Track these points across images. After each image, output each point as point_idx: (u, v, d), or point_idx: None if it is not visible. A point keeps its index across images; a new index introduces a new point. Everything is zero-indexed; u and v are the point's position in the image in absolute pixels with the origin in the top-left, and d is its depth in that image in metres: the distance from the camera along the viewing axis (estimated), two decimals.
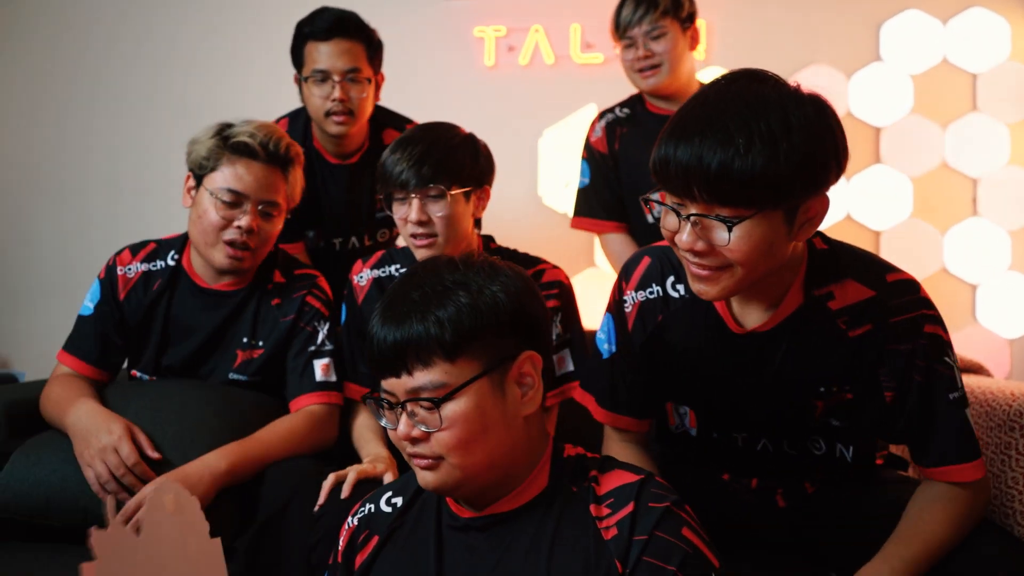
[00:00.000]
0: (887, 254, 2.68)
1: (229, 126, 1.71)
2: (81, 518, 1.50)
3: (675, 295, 1.32)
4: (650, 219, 2.21)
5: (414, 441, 1.02)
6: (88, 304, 1.78)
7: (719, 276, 1.13)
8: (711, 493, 1.40)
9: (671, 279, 1.32)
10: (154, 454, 1.54)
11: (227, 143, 1.68)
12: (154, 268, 1.78)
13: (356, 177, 2.18)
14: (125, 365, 1.84)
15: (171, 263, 1.77)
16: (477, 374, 1.00)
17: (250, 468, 1.58)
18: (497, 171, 1.76)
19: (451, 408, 1.00)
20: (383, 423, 1.06)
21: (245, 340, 1.75)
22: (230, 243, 1.67)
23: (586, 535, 1.01)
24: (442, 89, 2.53)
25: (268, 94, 2.96)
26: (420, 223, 1.62)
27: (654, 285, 1.33)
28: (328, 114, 2.06)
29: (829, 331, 1.23)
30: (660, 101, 2.20)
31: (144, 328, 1.76)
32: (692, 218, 1.10)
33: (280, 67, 3.03)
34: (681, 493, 1.13)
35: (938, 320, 1.23)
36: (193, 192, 1.72)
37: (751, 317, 1.26)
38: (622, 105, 2.29)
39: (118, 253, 1.80)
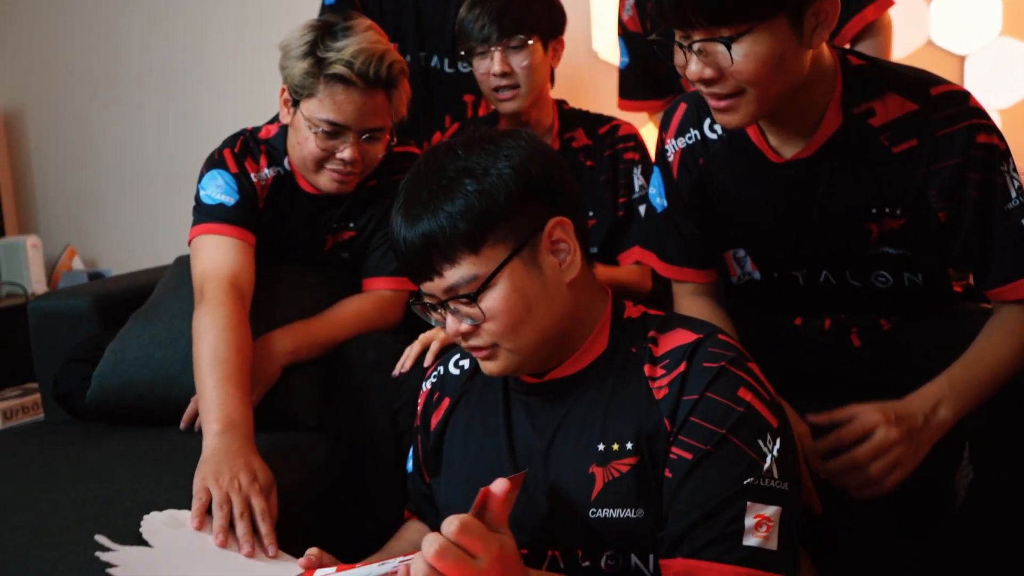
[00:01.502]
0: (974, 79, 2.49)
1: (323, 39, 1.52)
2: (175, 409, 1.54)
3: (712, 136, 1.31)
4: None
5: (465, 336, 1.03)
6: (218, 196, 1.60)
7: (736, 103, 1.13)
8: (784, 340, 1.39)
9: (708, 121, 1.31)
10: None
11: (323, 69, 1.50)
12: (276, 175, 1.66)
13: None
14: None
15: (288, 169, 1.67)
16: (505, 257, 0.98)
17: (315, 349, 1.58)
18: None
19: (489, 297, 0.99)
20: (433, 323, 1.07)
21: (335, 226, 1.71)
22: (334, 171, 1.58)
23: (639, 395, 1.01)
24: None
25: None
26: (503, 74, 1.71)
27: (692, 129, 1.32)
28: None
29: (872, 149, 1.19)
30: None
31: (261, 234, 1.65)
32: (695, 46, 1.08)
33: None
34: (752, 343, 1.12)
35: (992, 129, 1.17)
36: (291, 108, 1.58)
37: (789, 145, 1.23)
38: None
39: (242, 158, 1.64)
